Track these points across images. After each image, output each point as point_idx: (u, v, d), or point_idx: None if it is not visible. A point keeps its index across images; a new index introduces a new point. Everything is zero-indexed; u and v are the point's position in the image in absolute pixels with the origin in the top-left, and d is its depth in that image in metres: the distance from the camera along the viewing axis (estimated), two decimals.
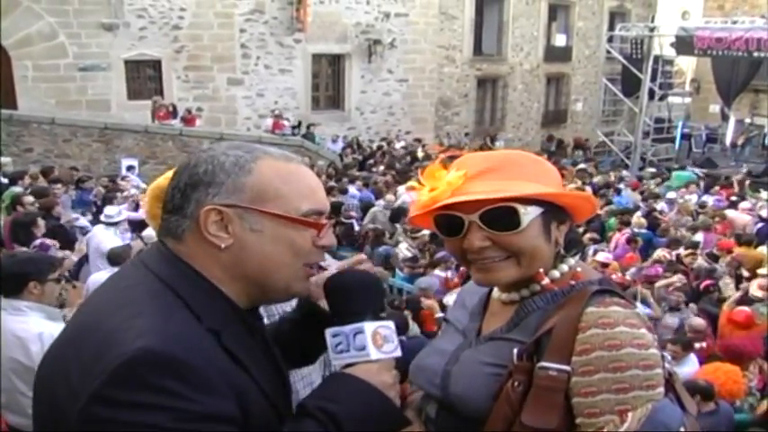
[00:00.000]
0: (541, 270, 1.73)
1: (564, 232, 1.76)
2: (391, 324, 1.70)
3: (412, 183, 14.83)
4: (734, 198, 16.68)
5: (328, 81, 23.67)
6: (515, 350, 1.63)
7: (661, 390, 1.57)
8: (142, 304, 1.43)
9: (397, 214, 12.52)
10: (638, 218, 13.36)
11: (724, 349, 7.54)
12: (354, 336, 1.64)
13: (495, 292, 1.87)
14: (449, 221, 1.72)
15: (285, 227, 1.53)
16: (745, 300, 8.88)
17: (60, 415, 1.39)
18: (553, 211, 1.72)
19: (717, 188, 18.30)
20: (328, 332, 1.67)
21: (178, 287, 1.48)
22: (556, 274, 1.75)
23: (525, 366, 1.60)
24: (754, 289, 9.35)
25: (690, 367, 7.17)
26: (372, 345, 1.63)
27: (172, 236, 1.55)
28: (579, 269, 1.79)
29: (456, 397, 1.72)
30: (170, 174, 2.44)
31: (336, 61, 23.40)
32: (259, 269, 1.54)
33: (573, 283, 1.74)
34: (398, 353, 1.66)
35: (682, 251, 10.88)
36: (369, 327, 1.64)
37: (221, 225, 1.50)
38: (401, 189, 14.88)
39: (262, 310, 1.76)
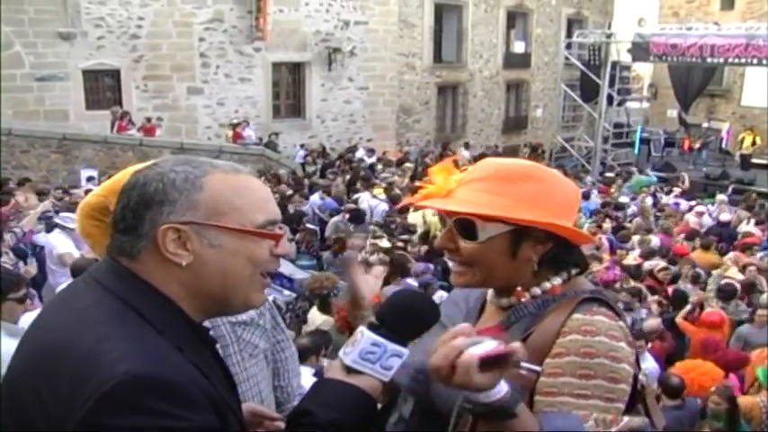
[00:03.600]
0: (519, 288, 1.79)
1: (540, 252, 1.77)
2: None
3: (377, 190, 14.94)
4: (693, 203, 17.02)
5: (289, 89, 23.55)
6: None
7: (620, 405, 1.61)
8: (108, 326, 1.42)
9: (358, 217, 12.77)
10: (606, 224, 13.60)
11: (701, 342, 7.64)
12: (391, 356, 1.66)
13: (489, 296, 1.92)
14: (444, 217, 1.84)
15: (243, 240, 1.54)
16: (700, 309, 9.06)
17: None
18: (527, 231, 1.74)
19: (677, 190, 18.67)
20: (369, 336, 1.67)
21: (138, 305, 1.48)
22: (536, 291, 1.79)
23: None
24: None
25: (647, 363, 7.29)
26: (395, 369, 1.67)
27: (126, 255, 1.54)
28: (557, 283, 1.81)
29: (437, 394, 1.76)
30: (99, 190, 2.42)
31: (296, 69, 23.31)
32: (220, 283, 1.55)
33: (565, 290, 1.78)
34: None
35: (655, 265, 10.90)
36: (406, 355, 1.68)
37: (180, 243, 1.50)
38: (364, 195, 14.92)
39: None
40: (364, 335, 1.68)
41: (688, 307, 9.02)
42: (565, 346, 1.61)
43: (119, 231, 1.55)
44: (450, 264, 1.86)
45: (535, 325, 1.69)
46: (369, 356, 1.65)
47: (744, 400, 6.35)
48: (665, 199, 17.26)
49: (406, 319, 1.72)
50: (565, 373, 1.58)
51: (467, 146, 25.53)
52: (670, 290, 10.00)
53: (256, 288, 1.62)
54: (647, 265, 10.97)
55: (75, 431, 1.31)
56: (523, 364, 1.57)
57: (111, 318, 1.44)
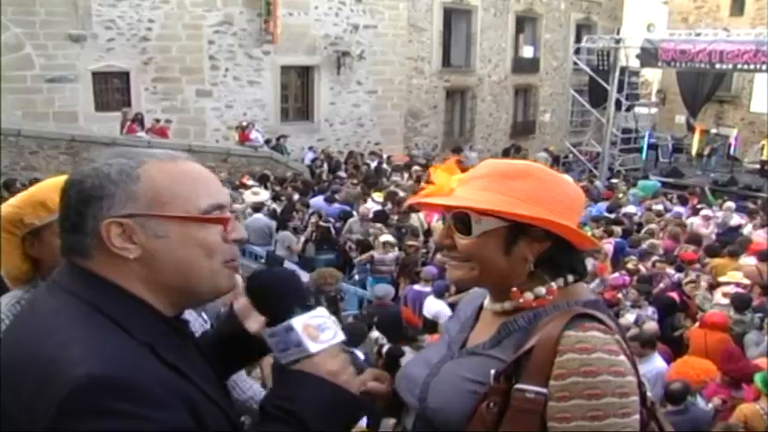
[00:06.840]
0: (515, 288, 1.74)
1: (537, 252, 1.73)
2: (322, 311, 1.71)
3: (377, 194, 15.10)
4: (698, 206, 16.97)
5: (297, 93, 23.58)
6: (492, 371, 1.63)
7: (636, 417, 1.57)
8: (70, 330, 1.39)
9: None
10: (615, 228, 13.58)
11: (725, 352, 7.55)
12: (288, 333, 1.65)
13: (486, 303, 1.88)
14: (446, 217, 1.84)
15: (189, 227, 1.50)
16: None
17: None
18: (524, 228, 1.70)
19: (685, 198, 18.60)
20: (266, 333, 1.69)
21: (102, 306, 1.44)
22: (530, 296, 1.74)
23: (501, 388, 1.60)
24: (719, 297, 9.48)
25: (653, 365, 7.24)
26: (308, 339, 1.64)
27: (78, 254, 1.51)
28: (555, 288, 1.76)
29: (432, 410, 1.72)
30: (14, 201, 2.31)
31: (305, 73, 23.35)
32: (177, 275, 1.51)
33: (556, 303, 1.73)
34: (339, 338, 1.68)
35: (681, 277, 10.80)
36: (297, 322, 1.65)
37: (126, 237, 1.47)
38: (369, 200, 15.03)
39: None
40: (264, 335, 1.71)
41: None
42: (563, 366, 1.55)
43: (66, 231, 1.52)
44: (447, 261, 1.84)
45: (528, 341, 1.64)
46: (281, 346, 1.67)
47: (744, 408, 6.33)
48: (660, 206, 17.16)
49: (265, 297, 1.73)
50: (573, 396, 1.53)
51: (471, 148, 25.53)
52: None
53: (222, 274, 1.57)
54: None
55: None
56: (529, 388, 1.56)
57: (74, 322, 1.41)
